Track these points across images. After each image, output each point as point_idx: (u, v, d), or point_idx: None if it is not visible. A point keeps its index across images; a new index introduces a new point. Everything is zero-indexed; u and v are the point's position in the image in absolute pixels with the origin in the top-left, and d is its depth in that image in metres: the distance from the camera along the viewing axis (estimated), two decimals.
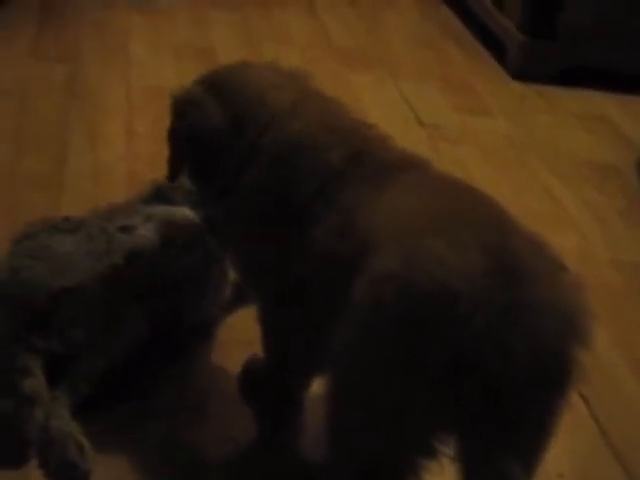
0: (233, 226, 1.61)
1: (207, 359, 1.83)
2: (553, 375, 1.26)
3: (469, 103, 3.13)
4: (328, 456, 1.42)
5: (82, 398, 1.62)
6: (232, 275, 1.90)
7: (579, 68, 3.36)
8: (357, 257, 1.32)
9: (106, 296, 1.69)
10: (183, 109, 1.62)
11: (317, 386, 1.61)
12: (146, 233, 1.80)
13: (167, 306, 1.77)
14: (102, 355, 1.66)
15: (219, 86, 1.61)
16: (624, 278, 2.28)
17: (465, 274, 1.20)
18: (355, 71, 3.20)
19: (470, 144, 2.84)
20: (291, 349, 1.60)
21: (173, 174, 1.70)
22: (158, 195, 1.92)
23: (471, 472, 1.25)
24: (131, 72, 2.96)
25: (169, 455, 1.60)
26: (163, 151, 2.44)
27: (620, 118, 3.16)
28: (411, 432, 1.28)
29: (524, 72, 3.35)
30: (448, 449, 1.30)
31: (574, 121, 3.11)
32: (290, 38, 3.45)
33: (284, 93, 1.58)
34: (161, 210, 1.86)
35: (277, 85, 1.60)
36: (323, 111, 1.57)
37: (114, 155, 2.47)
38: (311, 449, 1.64)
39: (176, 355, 1.81)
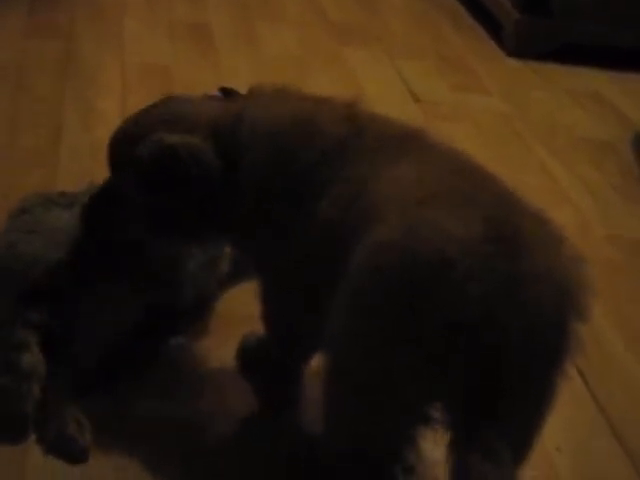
0: (249, 224, 1.56)
1: (205, 334, 1.84)
2: (548, 346, 1.25)
3: (465, 80, 3.13)
4: (326, 427, 1.42)
5: (80, 374, 1.62)
6: (229, 250, 1.90)
7: (575, 45, 3.35)
8: (360, 229, 1.32)
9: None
10: (169, 155, 1.51)
11: (316, 360, 1.61)
12: None
13: (164, 281, 1.76)
14: (100, 331, 1.66)
15: (177, 122, 1.56)
16: (620, 253, 2.29)
17: (463, 242, 1.20)
18: (351, 49, 3.19)
19: (465, 121, 2.84)
20: (292, 327, 1.60)
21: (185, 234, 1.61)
22: None
23: (458, 445, 1.24)
24: (126, 49, 2.95)
25: (167, 432, 1.60)
26: None
27: (615, 95, 3.16)
28: (406, 400, 1.28)
29: (520, 50, 3.35)
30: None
31: (570, 98, 3.11)
32: (286, 15, 3.44)
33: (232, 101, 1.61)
34: None
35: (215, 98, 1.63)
36: (289, 93, 1.57)
37: (109, 132, 2.44)
38: (312, 424, 1.64)
39: (174, 330, 1.81)
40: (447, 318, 1.20)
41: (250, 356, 1.74)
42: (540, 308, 1.22)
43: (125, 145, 1.58)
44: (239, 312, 1.87)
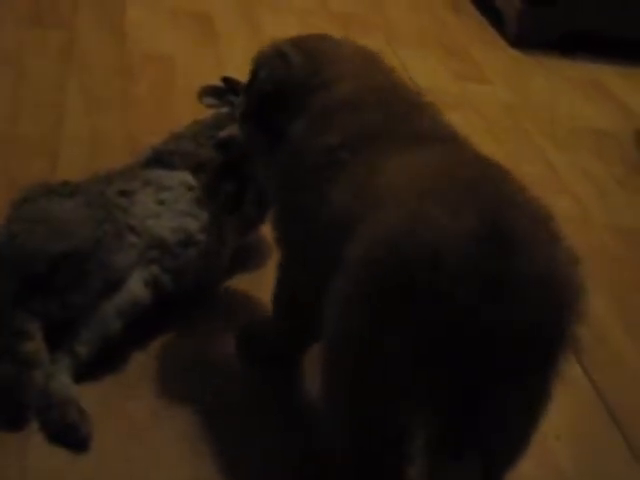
0: (277, 172, 1.62)
1: (206, 323, 1.84)
2: (536, 350, 1.23)
3: (467, 70, 3.13)
4: (323, 414, 1.42)
5: (82, 362, 1.62)
6: (231, 240, 1.90)
7: (578, 35, 3.35)
8: (361, 217, 1.32)
9: (105, 261, 1.69)
10: (268, 60, 1.67)
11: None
12: (144, 198, 1.80)
13: (166, 271, 1.77)
14: (101, 320, 1.66)
15: (305, 47, 1.65)
16: (622, 244, 2.29)
17: (456, 240, 1.19)
18: (353, 38, 3.17)
19: (468, 110, 2.84)
20: (295, 302, 1.62)
21: (243, 123, 1.73)
22: (157, 159, 1.91)
23: (429, 445, 1.25)
24: (127, 37, 2.94)
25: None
26: (160, 115, 2.48)
27: (618, 86, 3.16)
28: (395, 391, 1.27)
29: (522, 39, 3.34)
30: None
31: (572, 88, 3.11)
32: (288, 4, 3.43)
33: (353, 65, 1.62)
34: (160, 175, 1.86)
35: (349, 58, 1.64)
36: (378, 80, 1.60)
37: (111, 120, 2.46)
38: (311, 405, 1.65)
39: (175, 319, 1.81)
40: (433, 317, 1.19)
41: (249, 338, 1.75)
42: (528, 311, 1.20)
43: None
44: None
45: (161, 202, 1.81)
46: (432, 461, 1.24)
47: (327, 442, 1.43)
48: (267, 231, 1.97)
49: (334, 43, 1.68)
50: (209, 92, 2.07)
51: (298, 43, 1.66)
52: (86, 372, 1.62)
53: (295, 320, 1.65)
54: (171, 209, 1.81)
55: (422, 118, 1.53)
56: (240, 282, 1.94)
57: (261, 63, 1.68)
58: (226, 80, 2.12)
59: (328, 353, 1.37)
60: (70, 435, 1.52)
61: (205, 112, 2.08)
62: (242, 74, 2.27)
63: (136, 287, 1.72)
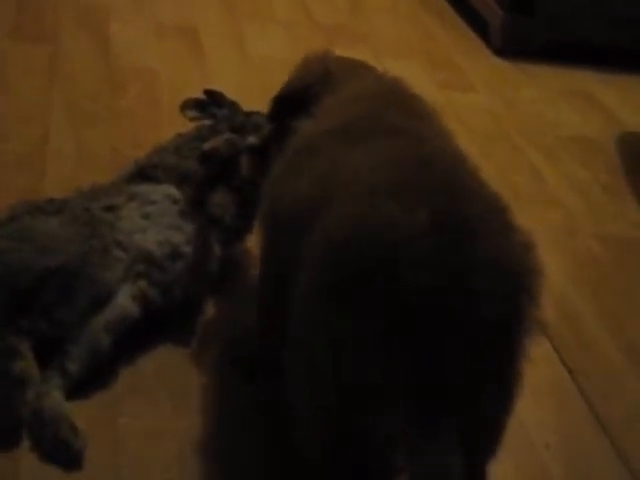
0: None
1: (194, 336, 1.84)
2: (498, 332, 1.25)
3: (452, 79, 3.14)
4: (294, 407, 1.41)
5: (73, 379, 1.61)
6: (217, 251, 1.90)
7: (561, 44, 3.36)
8: (321, 210, 1.34)
9: (92, 277, 1.69)
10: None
11: None
12: (130, 213, 1.80)
13: (154, 284, 1.76)
14: (90, 336, 1.66)
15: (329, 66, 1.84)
16: (609, 252, 2.30)
17: (410, 232, 1.22)
18: (338, 49, 3.16)
19: (453, 120, 2.82)
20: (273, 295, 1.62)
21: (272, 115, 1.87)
22: (141, 174, 1.91)
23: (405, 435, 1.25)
24: (112, 52, 2.93)
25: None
26: (146, 129, 2.47)
27: (602, 93, 3.17)
28: (355, 375, 1.27)
29: (506, 48, 3.36)
30: None
31: (557, 96, 3.12)
32: (273, 16, 3.44)
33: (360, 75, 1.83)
34: (144, 189, 1.86)
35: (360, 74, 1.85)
36: (380, 88, 1.73)
37: (97, 134, 2.46)
38: None
39: (162, 332, 1.80)
40: (392, 306, 1.21)
41: (237, 349, 1.76)
42: (484, 298, 1.22)
43: None
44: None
45: (146, 216, 1.81)
46: (408, 446, 1.24)
47: (300, 439, 1.42)
48: (252, 243, 1.98)
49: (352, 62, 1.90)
50: (192, 105, 2.08)
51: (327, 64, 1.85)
52: (76, 389, 1.62)
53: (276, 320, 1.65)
54: (157, 223, 1.81)
55: (403, 116, 1.55)
56: (227, 294, 1.94)
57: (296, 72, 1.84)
58: (209, 92, 2.12)
59: (296, 348, 1.37)
60: (63, 452, 1.51)
61: (191, 125, 2.08)
62: (227, 87, 2.28)
63: (124, 302, 1.71)
